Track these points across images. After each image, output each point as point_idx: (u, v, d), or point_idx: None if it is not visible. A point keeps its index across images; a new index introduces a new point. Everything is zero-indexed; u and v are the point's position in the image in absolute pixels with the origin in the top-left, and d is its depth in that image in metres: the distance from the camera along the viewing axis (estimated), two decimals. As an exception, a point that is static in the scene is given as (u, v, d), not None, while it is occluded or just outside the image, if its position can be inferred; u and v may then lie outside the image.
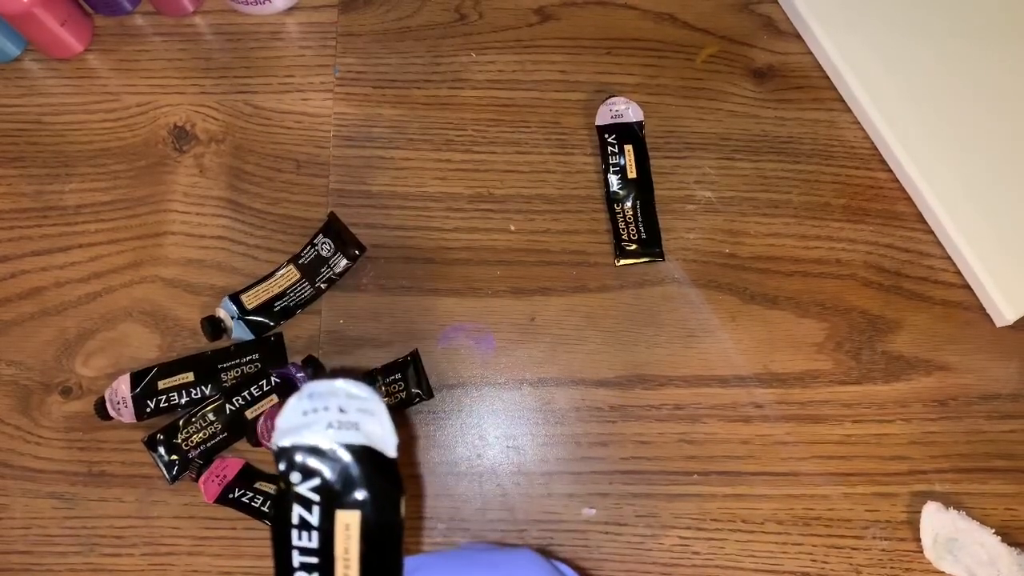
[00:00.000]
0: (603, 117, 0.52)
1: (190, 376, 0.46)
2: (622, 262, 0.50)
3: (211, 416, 0.45)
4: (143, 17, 0.54)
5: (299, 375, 0.46)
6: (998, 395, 0.49)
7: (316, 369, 0.46)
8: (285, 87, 0.53)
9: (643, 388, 0.48)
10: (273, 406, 0.46)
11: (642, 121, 0.51)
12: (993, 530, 0.46)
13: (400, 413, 0.48)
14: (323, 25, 0.54)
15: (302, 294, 0.48)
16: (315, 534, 0.20)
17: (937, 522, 0.46)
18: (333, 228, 0.48)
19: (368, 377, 0.47)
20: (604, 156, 0.51)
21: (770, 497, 0.47)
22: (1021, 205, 0.50)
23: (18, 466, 0.46)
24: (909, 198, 0.52)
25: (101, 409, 0.45)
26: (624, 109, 0.51)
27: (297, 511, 0.20)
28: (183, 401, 0.46)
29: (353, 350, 0.48)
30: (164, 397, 0.45)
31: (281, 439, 0.20)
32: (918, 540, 0.46)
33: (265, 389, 0.46)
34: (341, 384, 0.20)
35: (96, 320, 0.48)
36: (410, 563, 0.21)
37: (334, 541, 0.20)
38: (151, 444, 0.45)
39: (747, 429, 0.48)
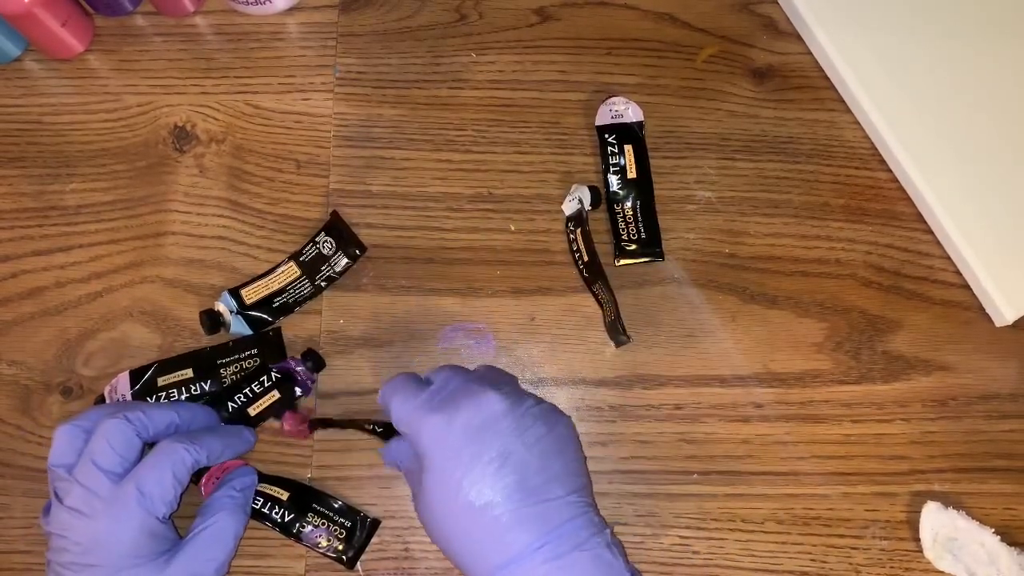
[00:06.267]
0: (603, 117, 0.52)
1: (189, 372, 0.46)
2: (622, 262, 0.50)
3: (211, 415, 0.45)
4: (143, 17, 0.54)
5: (299, 368, 0.46)
6: (998, 395, 0.49)
7: (316, 362, 0.46)
8: (285, 87, 0.53)
9: (643, 388, 0.48)
10: (284, 415, 0.46)
11: (642, 121, 0.51)
12: (993, 530, 0.46)
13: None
14: (323, 25, 0.54)
15: (301, 291, 0.48)
16: None
17: (937, 522, 0.46)
18: (335, 227, 0.48)
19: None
20: (604, 156, 0.51)
21: (770, 497, 0.47)
22: (1021, 205, 0.50)
23: (18, 466, 0.46)
24: (909, 198, 0.52)
25: (101, 408, 0.45)
26: (624, 109, 0.51)
27: None
28: (183, 397, 0.46)
29: (353, 350, 0.48)
30: (164, 394, 0.46)
31: None
32: (918, 540, 0.46)
33: (266, 385, 0.46)
34: None
35: (97, 320, 0.48)
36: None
37: None
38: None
39: (747, 429, 0.48)
